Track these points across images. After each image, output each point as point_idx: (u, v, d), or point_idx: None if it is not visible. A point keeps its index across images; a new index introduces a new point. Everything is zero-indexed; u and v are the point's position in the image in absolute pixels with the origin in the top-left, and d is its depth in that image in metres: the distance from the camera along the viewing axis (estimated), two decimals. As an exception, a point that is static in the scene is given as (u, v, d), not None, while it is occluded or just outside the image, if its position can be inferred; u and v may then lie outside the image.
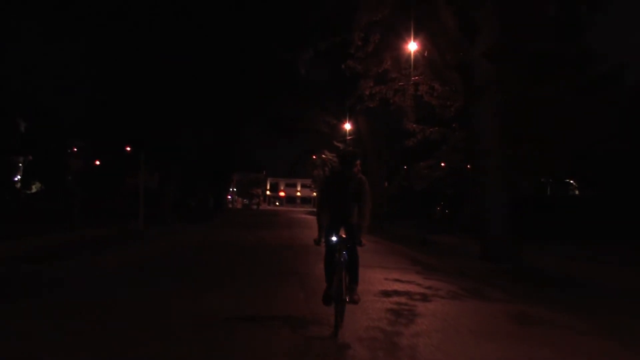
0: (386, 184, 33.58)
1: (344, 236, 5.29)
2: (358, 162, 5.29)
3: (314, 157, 52.40)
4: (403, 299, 6.98)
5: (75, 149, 47.46)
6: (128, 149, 41.61)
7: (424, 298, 7.16)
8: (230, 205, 72.31)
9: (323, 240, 5.23)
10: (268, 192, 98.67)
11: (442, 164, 19.19)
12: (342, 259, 5.08)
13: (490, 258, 11.46)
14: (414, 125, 13.48)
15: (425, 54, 12.22)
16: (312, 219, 39.28)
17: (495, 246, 11.53)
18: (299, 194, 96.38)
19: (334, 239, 5.17)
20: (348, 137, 33.76)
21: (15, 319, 5.28)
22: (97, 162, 50.80)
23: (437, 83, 12.50)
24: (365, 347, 4.55)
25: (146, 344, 4.51)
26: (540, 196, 16.87)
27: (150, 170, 25.11)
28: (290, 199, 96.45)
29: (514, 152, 11.68)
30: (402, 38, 12.16)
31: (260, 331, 5.04)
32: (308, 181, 74.25)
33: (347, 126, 33.38)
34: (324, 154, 42.36)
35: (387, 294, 7.36)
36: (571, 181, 23.90)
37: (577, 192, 31.32)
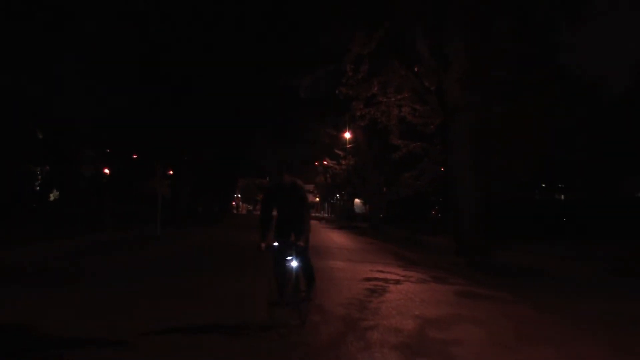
0: (385, 189, 35.60)
1: (291, 240, 5.42)
2: (285, 170, 5.57)
3: (317, 163, 54.43)
4: (380, 283, 8.99)
5: (88, 157, 49.70)
6: (135, 156, 43.73)
7: (397, 282, 9.18)
8: (235, 211, 74.32)
9: (263, 245, 5.31)
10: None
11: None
12: (290, 264, 5.29)
13: (463, 254, 13.45)
14: (399, 141, 15.51)
15: (408, 81, 14.27)
16: (315, 223, 41.00)
17: (467, 244, 13.52)
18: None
19: (276, 243, 5.37)
20: (348, 146, 35.85)
21: (91, 289, 7.31)
22: (106, 170, 53.00)
23: (418, 104, 14.55)
24: (343, 308, 6.57)
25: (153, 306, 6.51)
26: (513, 200, 18.82)
27: (163, 177, 27.31)
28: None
29: (482, 162, 13.69)
30: (388, 67, 14.22)
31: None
32: (311, 187, 76.25)
33: (347, 135, 35.50)
34: (325, 161, 44.47)
35: (368, 279, 9.38)
36: (543, 185, 25.81)
37: (562, 197, 33.31)
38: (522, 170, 15.36)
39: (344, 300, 7.16)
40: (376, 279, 9.53)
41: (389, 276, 9.99)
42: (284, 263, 5.29)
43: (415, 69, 14.31)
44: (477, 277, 10.44)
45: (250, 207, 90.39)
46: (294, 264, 5.29)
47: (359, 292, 7.92)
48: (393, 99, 14.61)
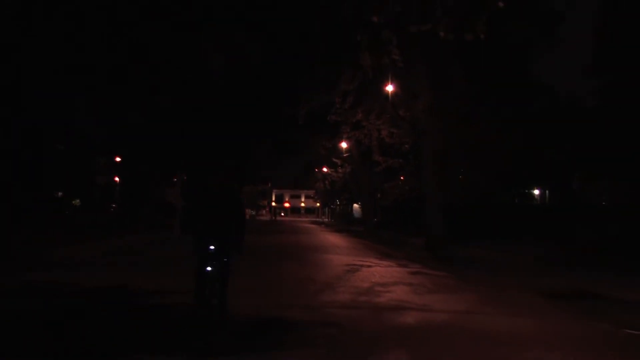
0: (379, 195, 38.83)
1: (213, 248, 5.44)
2: (221, 174, 5.61)
3: (316, 170, 57.77)
4: (356, 267, 12.38)
5: (102, 167, 53.22)
6: (140, 166, 47.23)
7: (369, 266, 12.57)
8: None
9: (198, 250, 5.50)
10: (274, 203, 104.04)
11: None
12: (209, 269, 5.40)
13: (429, 249, 16.80)
14: (380, 158, 18.93)
15: (386, 110, 17.70)
16: (315, 227, 44.36)
17: (432, 241, 16.89)
18: (303, 204, 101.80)
19: (212, 247, 5.42)
20: (344, 155, 39.18)
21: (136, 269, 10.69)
22: (116, 178, 56.53)
23: (394, 129, 17.97)
24: (326, 278, 9.98)
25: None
26: (478, 205, 22.08)
27: (170, 184, 30.99)
28: (295, 210, 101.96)
29: (447, 176, 17.09)
30: (369, 99, 17.62)
31: (279, 282, 10.42)
32: (311, 192, 79.58)
33: (344, 144, 38.86)
34: (325, 168, 47.92)
35: (349, 265, 12.78)
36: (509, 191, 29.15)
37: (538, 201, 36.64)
38: (483, 181, 18.68)
39: (328, 275, 10.57)
40: (355, 264, 12.93)
41: (365, 263, 13.37)
42: (205, 270, 5.42)
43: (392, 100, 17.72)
44: (431, 263, 13.78)
45: (253, 212, 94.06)
46: (213, 271, 5.40)
47: (339, 271, 11.33)
48: (374, 124, 18.02)
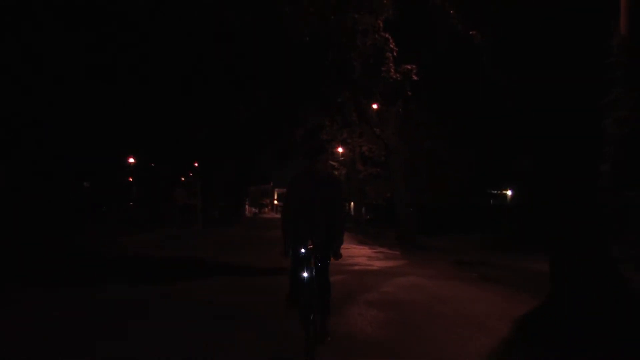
0: (372, 195, 43.68)
1: (310, 247, 4.66)
2: (325, 156, 4.74)
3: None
4: (338, 249, 17.45)
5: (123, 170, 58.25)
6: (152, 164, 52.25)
7: (346, 248, 17.57)
8: (247, 215, 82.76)
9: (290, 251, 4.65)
10: (275, 202, 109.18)
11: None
12: (307, 275, 4.53)
13: (399, 238, 21.87)
14: (361, 167, 24.04)
15: (365, 130, 22.80)
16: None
17: (401, 233, 21.95)
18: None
19: (303, 250, 4.60)
20: (340, 158, 44.25)
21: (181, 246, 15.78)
22: (130, 179, 61.62)
23: (372, 145, 23.08)
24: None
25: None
26: (446, 205, 27.16)
27: (183, 186, 36.22)
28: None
29: (413, 182, 22.18)
30: (353, 122, 22.72)
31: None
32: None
33: (340, 149, 43.96)
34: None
35: (333, 247, 17.86)
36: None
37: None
38: (447, 185, 23.78)
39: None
40: (337, 247, 18.01)
41: (344, 247, 18.29)
42: (299, 275, 4.61)
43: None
44: (394, 247, 18.82)
45: (256, 211, 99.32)
46: (310, 279, 4.55)
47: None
48: (357, 141, 23.15)
